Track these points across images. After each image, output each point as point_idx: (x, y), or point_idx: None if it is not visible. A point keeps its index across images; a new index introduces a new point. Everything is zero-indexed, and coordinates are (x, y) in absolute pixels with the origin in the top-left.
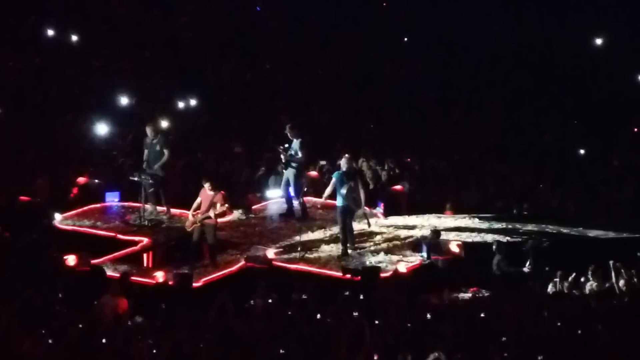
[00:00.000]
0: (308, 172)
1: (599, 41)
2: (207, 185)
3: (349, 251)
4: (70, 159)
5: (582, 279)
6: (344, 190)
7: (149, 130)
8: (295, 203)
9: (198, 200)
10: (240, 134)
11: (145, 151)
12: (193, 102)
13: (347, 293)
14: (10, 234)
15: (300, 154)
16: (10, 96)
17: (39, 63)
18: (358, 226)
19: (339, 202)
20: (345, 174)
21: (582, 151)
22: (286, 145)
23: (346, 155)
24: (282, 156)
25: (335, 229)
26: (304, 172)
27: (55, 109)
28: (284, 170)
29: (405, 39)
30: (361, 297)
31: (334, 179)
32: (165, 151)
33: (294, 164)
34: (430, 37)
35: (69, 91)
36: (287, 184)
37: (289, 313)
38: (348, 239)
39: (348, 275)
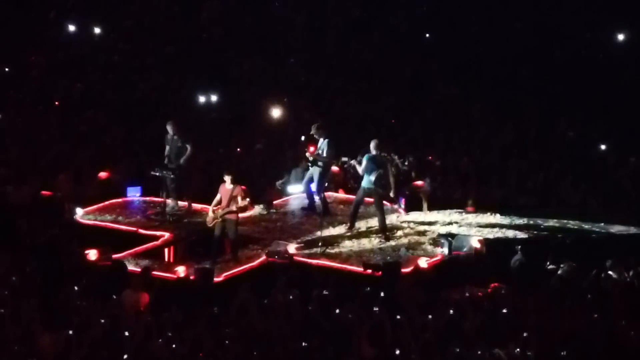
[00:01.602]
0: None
1: (621, 37)
2: (227, 179)
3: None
4: (92, 153)
5: (604, 275)
6: (373, 177)
7: (169, 127)
8: (317, 199)
9: (218, 196)
10: (261, 130)
11: (167, 147)
12: (214, 97)
13: (368, 289)
14: (28, 229)
15: (325, 154)
16: (33, 91)
17: (61, 58)
18: (377, 223)
19: (365, 183)
20: (376, 158)
21: (603, 147)
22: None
23: (375, 139)
24: (307, 155)
25: (357, 225)
26: (329, 170)
27: (77, 104)
28: (309, 167)
29: (427, 35)
30: (382, 292)
31: (365, 161)
32: (188, 146)
33: (320, 163)
34: (451, 34)
35: (90, 86)
36: (310, 181)
37: (310, 308)
38: (381, 224)
39: (369, 271)
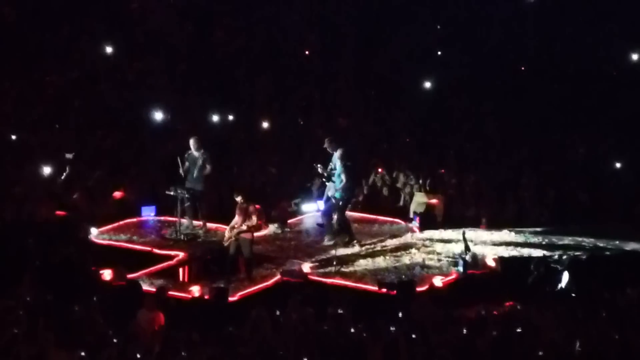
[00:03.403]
0: None
1: (635, 56)
2: (239, 199)
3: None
4: (106, 173)
5: (619, 292)
6: (346, 185)
7: (192, 143)
8: (334, 217)
9: (236, 217)
10: (274, 149)
11: (186, 164)
12: (228, 116)
13: (383, 307)
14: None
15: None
16: (48, 111)
17: (77, 77)
18: (392, 242)
19: (339, 195)
20: (345, 167)
21: (618, 165)
22: (319, 166)
23: (340, 149)
24: (319, 171)
25: (371, 243)
26: None
27: (92, 123)
28: (327, 183)
29: (439, 53)
30: (397, 311)
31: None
32: (208, 166)
33: (334, 179)
34: (464, 49)
35: (104, 105)
36: (328, 198)
37: (325, 327)
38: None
39: (384, 290)
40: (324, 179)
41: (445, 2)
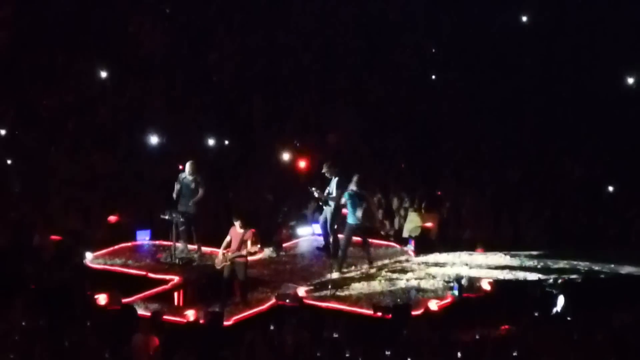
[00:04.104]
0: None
1: (630, 80)
2: (237, 223)
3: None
4: (101, 197)
5: (614, 315)
6: (359, 213)
7: (188, 167)
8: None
9: (228, 238)
10: (271, 171)
11: (177, 186)
12: (224, 139)
13: (378, 331)
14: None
15: (335, 194)
16: (43, 134)
17: (71, 100)
18: (387, 265)
19: (351, 220)
20: (358, 194)
21: (610, 188)
22: (315, 189)
23: (356, 175)
24: (315, 195)
25: (366, 267)
26: (341, 210)
27: (87, 147)
28: (324, 207)
29: (433, 77)
30: (393, 335)
31: (345, 199)
32: (201, 190)
33: (331, 203)
34: (458, 72)
35: (100, 128)
36: (326, 221)
37: (320, 351)
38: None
39: (379, 314)
40: (320, 203)
41: (441, 25)
